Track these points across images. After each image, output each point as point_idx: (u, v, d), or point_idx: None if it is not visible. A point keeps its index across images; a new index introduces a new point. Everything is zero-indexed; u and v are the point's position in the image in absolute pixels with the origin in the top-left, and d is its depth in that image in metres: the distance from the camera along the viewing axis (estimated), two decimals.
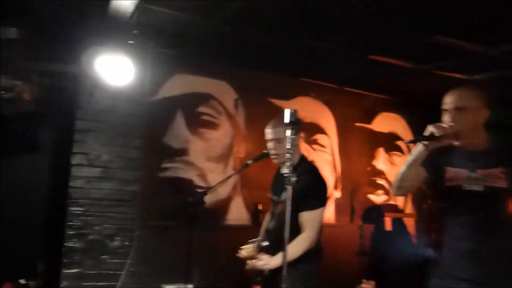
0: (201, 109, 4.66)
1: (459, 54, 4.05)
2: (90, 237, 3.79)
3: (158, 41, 4.09)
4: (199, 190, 4.42)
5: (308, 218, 2.64)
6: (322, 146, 5.52)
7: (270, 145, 2.83)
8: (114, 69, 3.63)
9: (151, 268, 4.06)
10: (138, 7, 3.32)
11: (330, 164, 5.57)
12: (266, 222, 3.08)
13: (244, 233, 4.58)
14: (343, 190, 5.58)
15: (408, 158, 2.21)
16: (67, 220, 3.73)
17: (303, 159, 2.84)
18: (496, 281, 2.01)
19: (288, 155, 1.91)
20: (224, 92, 4.81)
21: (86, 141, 3.84)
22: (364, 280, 4.77)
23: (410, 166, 2.18)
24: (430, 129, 2.07)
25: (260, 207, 4.82)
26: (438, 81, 4.95)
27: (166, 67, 4.40)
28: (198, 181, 4.59)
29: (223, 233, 4.53)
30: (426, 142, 2.08)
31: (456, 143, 2.16)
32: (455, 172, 2.17)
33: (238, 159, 4.82)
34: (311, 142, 5.42)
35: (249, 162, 3.29)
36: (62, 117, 3.94)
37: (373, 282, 4.64)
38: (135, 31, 3.72)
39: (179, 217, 4.17)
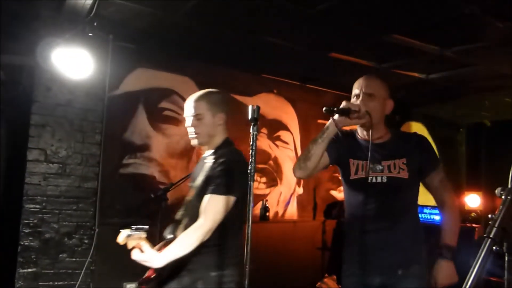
0: (163, 104, 4.61)
1: (415, 53, 4.16)
2: (47, 235, 3.69)
3: (118, 34, 4.01)
4: (161, 187, 4.36)
5: (208, 202, 2.13)
6: (285, 142, 5.56)
7: (188, 122, 2.38)
8: (73, 63, 3.53)
9: (111, 267, 3.98)
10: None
11: (293, 160, 5.61)
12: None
13: None
14: (305, 187, 5.64)
15: (316, 136, 2.19)
16: (23, 218, 3.62)
17: (227, 142, 2.42)
18: (404, 269, 2.07)
19: (251, 151, 1.83)
20: (187, 87, 4.76)
21: (43, 137, 3.73)
22: (326, 275, 4.83)
23: (317, 143, 2.16)
24: (345, 103, 2.10)
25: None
26: (396, 79, 5.08)
27: (127, 61, 4.32)
28: (161, 177, 4.53)
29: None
30: (336, 117, 2.10)
31: (361, 125, 2.20)
32: (359, 164, 2.19)
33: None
34: (275, 138, 5.45)
35: None
36: (17, 112, 3.81)
37: (335, 277, 4.71)
38: (95, 24, 3.63)
39: (141, 214, 4.11)
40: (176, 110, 4.67)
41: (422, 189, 7.04)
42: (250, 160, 1.83)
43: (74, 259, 3.77)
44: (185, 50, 4.52)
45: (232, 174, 2.20)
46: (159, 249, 2.15)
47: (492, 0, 3.04)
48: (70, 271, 3.75)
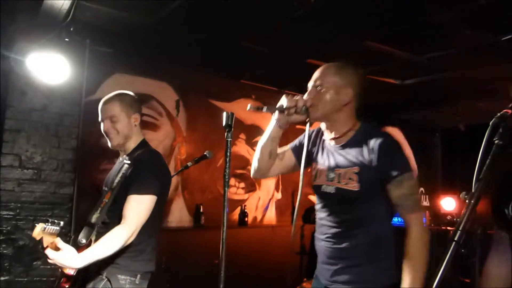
0: (142, 110, 4.57)
1: (390, 59, 4.25)
2: (21, 242, 3.63)
3: (96, 39, 3.99)
4: None
5: (131, 204, 2.09)
6: None
7: (103, 125, 2.38)
8: (49, 67, 3.50)
9: (85, 274, 3.93)
10: (74, 4, 3.22)
11: None
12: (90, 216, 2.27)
13: (185, 235, 4.57)
14: (283, 191, 5.67)
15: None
16: None
17: (143, 143, 2.40)
18: (348, 284, 1.86)
19: (226, 158, 1.82)
20: (165, 93, 4.75)
21: (17, 142, 3.67)
22: (305, 279, 4.86)
23: (262, 143, 2.03)
24: (281, 100, 1.92)
25: (201, 208, 4.80)
26: (372, 85, 5.17)
27: (104, 66, 4.29)
28: None
29: (164, 235, 4.47)
30: (276, 115, 1.96)
31: (306, 119, 1.95)
32: (318, 170, 2.01)
33: (179, 161, 4.78)
34: (253, 144, 5.46)
35: (189, 163, 3.25)
36: None
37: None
38: (71, 28, 3.60)
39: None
40: (154, 115, 4.65)
41: None
42: (225, 166, 1.80)
43: (48, 267, 3.71)
44: (163, 56, 4.51)
45: (151, 173, 2.19)
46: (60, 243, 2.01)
47: (462, 8, 3.13)
48: (45, 278, 3.69)
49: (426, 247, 1.77)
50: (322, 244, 1.96)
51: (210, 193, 4.98)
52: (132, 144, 2.37)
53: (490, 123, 1.18)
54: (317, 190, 2.00)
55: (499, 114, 1.21)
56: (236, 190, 5.21)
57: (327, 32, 3.70)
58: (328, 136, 2.01)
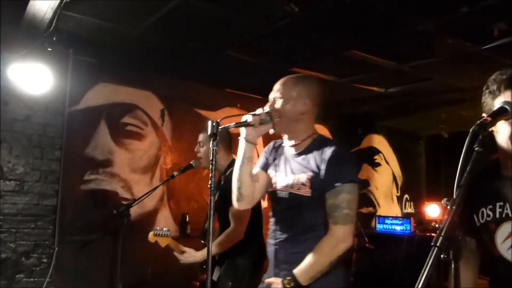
0: (126, 119, 4.56)
1: (374, 68, 4.30)
2: (3, 255, 3.57)
3: (79, 48, 3.97)
4: (124, 202, 4.30)
5: (233, 212, 2.74)
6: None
7: (197, 148, 3.08)
8: (31, 77, 3.47)
9: (72, 286, 3.88)
10: (57, 14, 3.20)
11: None
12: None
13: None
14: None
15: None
16: None
17: (232, 163, 2.77)
18: None
19: (211, 166, 1.85)
20: (150, 102, 4.74)
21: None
22: None
23: (240, 168, 2.04)
24: (243, 117, 2.01)
25: (187, 218, 4.78)
26: (357, 93, 5.22)
27: (88, 75, 4.26)
28: (123, 193, 4.46)
29: (150, 245, 4.43)
30: (243, 135, 2.03)
31: (272, 131, 2.03)
32: (276, 177, 2.07)
33: (165, 170, 4.75)
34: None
35: (176, 173, 3.26)
36: None
37: None
38: (54, 38, 3.58)
39: (103, 230, 4.04)
40: (139, 125, 4.63)
41: (383, 201, 7.14)
42: (210, 175, 1.83)
43: (32, 279, 3.65)
44: (148, 65, 4.51)
45: None
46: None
47: (443, 18, 3.19)
48: None
49: (330, 257, 1.83)
50: (272, 249, 2.02)
51: (196, 202, 4.95)
52: (220, 167, 2.97)
53: (470, 130, 1.20)
54: (272, 195, 2.07)
55: (479, 121, 1.23)
56: None
57: (311, 41, 3.73)
58: (287, 143, 2.09)
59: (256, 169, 2.18)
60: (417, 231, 5.61)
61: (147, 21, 3.41)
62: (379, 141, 7.18)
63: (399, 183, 7.41)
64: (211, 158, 1.83)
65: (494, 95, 1.49)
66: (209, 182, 1.79)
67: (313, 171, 1.91)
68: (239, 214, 2.69)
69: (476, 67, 4.05)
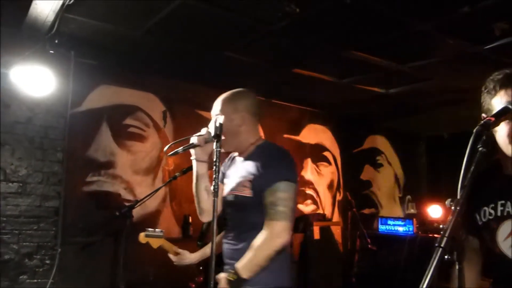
0: (128, 121, 4.56)
1: (374, 69, 4.30)
2: (6, 256, 3.57)
3: (80, 51, 3.97)
4: (126, 204, 4.30)
5: None
6: None
7: None
8: (33, 80, 3.48)
9: (74, 287, 3.88)
10: (58, 16, 3.21)
11: None
12: None
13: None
14: None
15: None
16: None
17: None
18: None
19: (215, 167, 1.89)
20: (152, 104, 4.74)
21: (1, 155, 3.63)
22: None
23: (195, 185, 2.20)
24: (191, 139, 2.14)
25: (190, 219, 4.78)
26: (358, 94, 5.22)
27: (89, 77, 4.27)
28: (126, 195, 4.47)
29: (152, 246, 4.43)
30: (193, 156, 2.16)
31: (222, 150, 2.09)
32: (225, 185, 2.20)
33: (167, 172, 4.76)
34: None
35: (178, 174, 3.26)
36: None
37: None
38: (56, 41, 3.59)
39: (105, 232, 4.04)
40: (141, 126, 4.64)
41: (386, 202, 7.12)
42: (214, 176, 1.84)
43: (35, 281, 3.66)
44: (149, 67, 4.51)
45: None
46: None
47: (443, 18, 3.19)
48: None
49: (267, 252, 1.90)
50: (225, 246, 2.14)
51: None
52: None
53: (474, 130, 1.20)
54: (223, 201, 2.20)
55: (482, 121, 1.23)
56: None
57: (312, 42, 3.73)
58: (236, 153, 2.24)
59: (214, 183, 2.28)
60: (419, 232, 5.60)
61: (148, 23, 3.42)
62: (381, 142, 7.18)
63: (401, 183, 7.41)
64: (214, 160, 1.83)
65: (491, 94, 1.51)
66: (213, 184, 1.80)
67: (253, 174, 2.02)
68: None
69: (476, 67, 4.05)
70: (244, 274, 1.88)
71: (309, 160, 6.18)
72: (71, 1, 2.95)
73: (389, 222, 5.84)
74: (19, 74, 3.41)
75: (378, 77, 4.61)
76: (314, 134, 6.32)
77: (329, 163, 6.48)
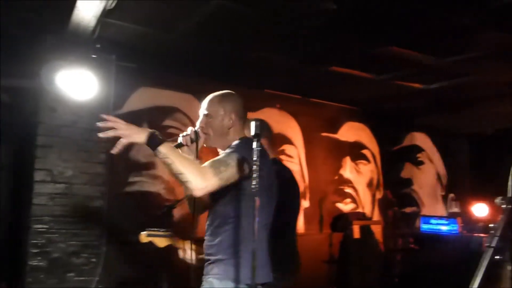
0: (167, 122, 4.65)
1: (414, 64, 4.20)
2: (55, 255, 3.70)
3: (121, 54, 4.07)
4: (167, 204, 4.38)
5: None
6: (289, 156, 5.57)
7: None
8: (77, 84, 3.59)
9: (119, 284, 3.99)
10: (99, 22, 3.30)
11: (298, 174, 5.62)
12: None
13: None
14: (311, 200, 5.64)
15: None
16: (30, 238, 3.63)
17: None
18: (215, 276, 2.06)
19: (255, 167, 1.92)
20: (190, 105, 4.80)
21: (49, 157, 3.76)
22: None
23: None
24: (178, 139, 2.19)
25: None
26: (396, 90, 5.12)
27: (130, 80, 4.37)
28: (166, 195, 4.55)
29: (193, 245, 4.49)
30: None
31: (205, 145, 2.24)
32: None
33: None
34: (279, 152, 5.46)
35: None
36: (23, 133, 3.85)
37: None
38: (98, 45, 3.69)
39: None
40: (180, 127, 4.71)
41: (428, 200, 6.97)
42: (254, 175, 1.85)
43: (81, 278, 3.78)
44: (187, 68, 4.57)
45: None
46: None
47: (484, 11, 3.08)
48: None
49: (186, 167, 1.90)
50: (204, 243, 2.17)
51: None
52: None
53: None
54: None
55: None
56: None
57: (349, 39, 3.69)
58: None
59: None
60: (464, 231, 5.44)
61: (185, 26, 3.47)
62: (421, 139, 7.01)
63: (444, 181, 7.20)
64: (255, 158, 1.83)
65: None
66: (253, 183, 1.80)
67: None
68: None
69: None
70: (163, 149, 1.90)
71: (348, 159, 6.11)
72: (112, 6, 3.03)
73: (432, 221, 5.70)
74: (64, 79, 3.53)
75: (417, 72, 4.50)
76: (353, 132, 6.24)
77: (368, 161, 6.38)
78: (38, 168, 3.72)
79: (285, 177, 2.98)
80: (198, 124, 2.24)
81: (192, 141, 2.18)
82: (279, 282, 2.75)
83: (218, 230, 2.10)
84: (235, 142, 2.16)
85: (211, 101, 2.25)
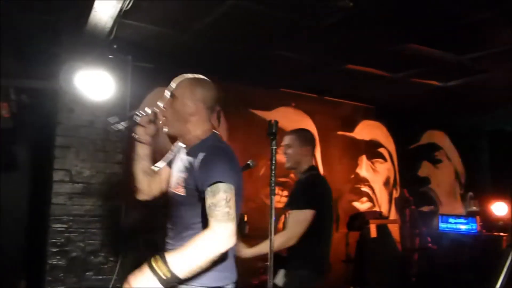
0: None
1: (431, 61, 4.14)
2: (73, 253, 3.75)
3: (137, 55, 4.10)
4: None
5: (291, 216, 2.85)
6: None
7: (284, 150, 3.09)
8: (94, 84, 3.62)
9: None
10: (116, 22, 3.33)
11: None
12: None
13: None
14: None
15: None
16: (49, 237, 3.68)
17: (311, 168, 3.07)
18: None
19: (272, 166, 1.88)
20: None
21: (67, 157, 3.81)
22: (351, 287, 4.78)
23: (133, 165, 2.14)
24: (135, 117, 2.07)
25: (245, 218, 4.81)
26: (414, 88, 5.06)
27: (146, 80, 4.39)
28: None
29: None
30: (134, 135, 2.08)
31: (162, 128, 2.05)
32: (173, 175, 2.07)
33: None
34: None
35: None
36: (41, 134, 3.91)
37: None
38: (114, 46, 3.72)
39: (164, 231, 4.14)
40: None
41: (446, 199, 6.87)
42: (271, 174, 1.85)
43: (100, 277, 3.82)
44: (202, 68, 4.56)
45: (308, 192, 2.88)
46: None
47: (504, 5, 3.02)
48: None
49: (206, 251, 1.73)
50: (166, 246, 2.01)
51: (254, 202, 4.99)
52: (300, 168, 3.08)
53: None
54: (168, 194, 2.10)
55: None
56: (280, 198, 5.20)
57: (365, 36, 3.65)
58: (181, 143, 2.09)
59: (162, 163, 2.23)
60: (483, 231, 5.35)
61: (200, 26, 3.48)
62: (439, 137, 6.92)
63: (462, 180, 7.10)
64: (270, 158, 1.83)
65: None
66: (270, 182, 1.80)
67: (188, 172, 1.92)
68: (297, 219, 2.81)
69: None
70: (180, 274, 1.71)
71: (364, 157, 6.06)
72: (128, 7, 3.05)
73: (451, 220, 5.63)
74: (81, 79, 3.56)
75: (435, 69, 4.44)
76: (369, 130, 6.19)
77: (385, 159, 6.32)
78: (57, 168, 3.77)
79: (324, 184, 3.07)
80: (160, 105, 2.07)
81: (149, 122, 2.05)
82: (314, 281, 2.85)
83: (181, 235, 1.93)
84: (208, 149, 1.91)
85: (180, 83, 2.07)
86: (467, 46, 3.82)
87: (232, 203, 1.79)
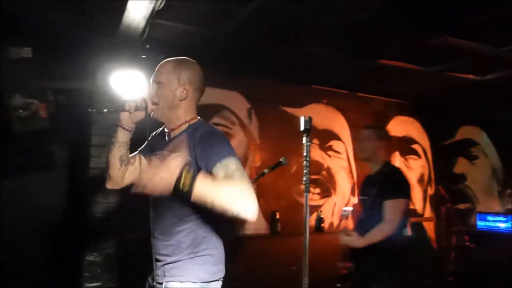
0: (215, 120, 4.70)
1: (467, 54, 4.02)
2: (110, 250, 3.83)
3: (169, 54, 4.12)
4: None
5: (388, 206, 3.03)
6: (337, 152, 5.50)
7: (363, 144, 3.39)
8: (127, 84, 3.68)
9: None
10: (148, 22, 3.37)
11: (346, 170, 5.54)
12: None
13: (262, 242, 4.59)
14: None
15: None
16: (87, 234, 3.77)
17: (389, 162, 3.40)
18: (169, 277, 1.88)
19: (305, 162, 1.87)
20: (237, 102, 4.84)
21: (102, 156, 3.87)
22: None
23: (109, 149, 2.03)
24: (124, 103, 1.97)
25: (277, 215, 4.81)
26: (448, 82, 4.93)
27: None
28: None
29: (241, 243, 4.53)
30: (118, 121, 1.99)
31: (148, 114, 1.98)
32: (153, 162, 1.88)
33: (254, 168, 4.83)
34: (326, 148, 5.40)
35: (266, 170, 3.25)
36: (78, 133, 4.00)
37: None
38: (147, 46, 3.78)
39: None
40: (227, 124, 4.75)
41: (483, 196, 6.68)
42: (305, 171, 1.84)
43: (135, 273, 3.88)
44: (234, 66, 4.60)
45: (400, 183, 3.15)
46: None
47: None
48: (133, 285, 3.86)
49: (230, 193, 1.68)
50: (153, 240, 1.95)
51: (285, 199, 4.98)
52: (377, 162, 3.36)
53: None
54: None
55: None
56: (311, 196, 5.17)
57: (397, 30, 3.58)
58: (167, 128, 2.03)
59: (136, 152, 2.13)
60: None
61: (230, 24, 3.49)
62: (475, 133, 6.72)
63: (500, 177, 6.88)
64: (305, 154, 1.82)
65: None
66: (304, 179, 1.79)
67: (180, 155, 1.76)
68: (394, 208, 3.02)
69: None
70: (195, 192, 1.63)
71: (397, 154, 5.96)
72: (160, 7, 3.09)
73: (489, 218, 5.47)
74: (116, 79, 3.63)
75: (471, 63, 4.31)
76: (402, 126, 6.08)
77: (419, 156, 6.20)
78: (93, 167, 3.86)
79: (402, 178, 3.26)
80: (148, 92, 2.01)
81: (136, 109, 1.95)
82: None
83: (172, 229, 1.89)
84: (204, 129, 1.90)
85: (164, 68, 2.03)
86: (505, 38, 3.69)
87: (241, 171, 1.75)
